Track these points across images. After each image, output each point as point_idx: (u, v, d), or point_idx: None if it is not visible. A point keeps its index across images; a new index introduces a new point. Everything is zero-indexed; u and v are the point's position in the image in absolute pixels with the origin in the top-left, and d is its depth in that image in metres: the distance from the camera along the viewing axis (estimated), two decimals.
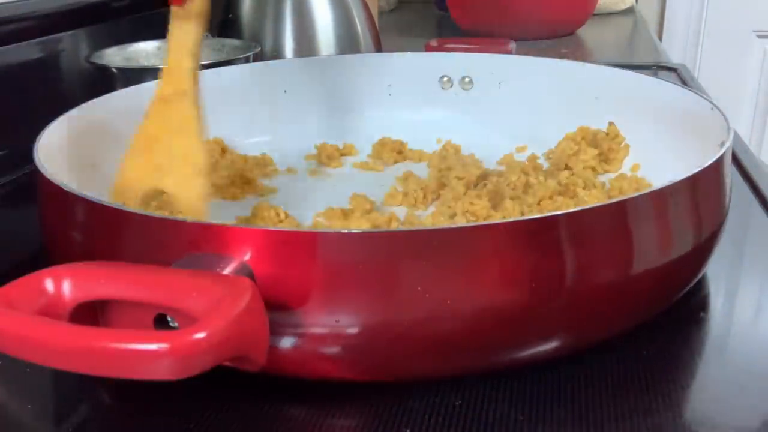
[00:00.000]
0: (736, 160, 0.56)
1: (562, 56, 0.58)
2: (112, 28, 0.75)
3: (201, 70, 0.58)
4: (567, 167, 0.52)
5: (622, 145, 0.52)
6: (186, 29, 0.41)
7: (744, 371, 0.33)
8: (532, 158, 0.54)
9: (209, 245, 0.29)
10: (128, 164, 0.40)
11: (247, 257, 0.28)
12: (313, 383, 0.32)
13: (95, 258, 0.29)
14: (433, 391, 0.32)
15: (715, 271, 0.41)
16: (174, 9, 0.41)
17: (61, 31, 0.67)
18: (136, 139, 0.40)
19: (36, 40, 0.63)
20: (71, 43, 0.68)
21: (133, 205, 0.39)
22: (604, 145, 0.52)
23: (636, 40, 1.26)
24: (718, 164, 0.36)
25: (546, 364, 0.33)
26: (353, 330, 0.29)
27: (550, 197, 0.45)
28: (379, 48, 0.86)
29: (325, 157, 0.57)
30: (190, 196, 0.38)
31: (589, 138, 0.54)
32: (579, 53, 1.09)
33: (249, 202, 0.46)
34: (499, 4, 1.12)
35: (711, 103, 0.45)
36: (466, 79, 0.61)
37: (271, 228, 0.33)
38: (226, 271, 0.28)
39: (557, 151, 0.54)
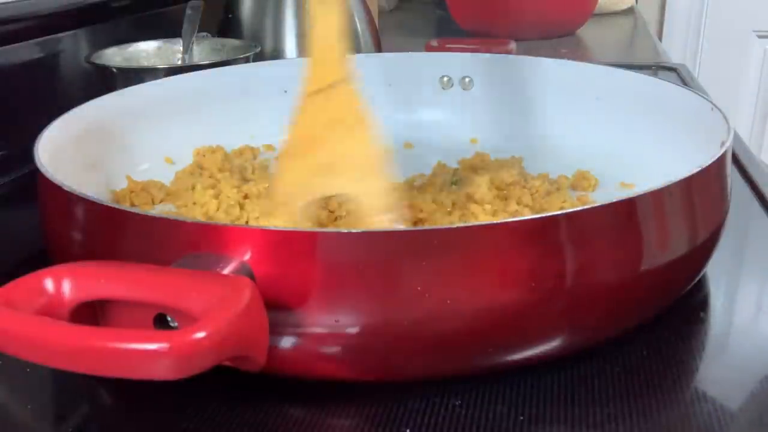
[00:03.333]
0: (736, 160, 0.56)
1: (562, 56, 0.58)
2: (112, 28, 0.75)
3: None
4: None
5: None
6: (328, 10, 0.37)
7: (744, 371, 0.33)
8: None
9: (209, 245, 0.29)
10: (285, 170, 0.36)
11: (246, 257, 0.28)
12: (313, 383, 0.32)
13: (95, 258, 0.29)
14: (433, 391, 0.32)
15: (715, 271, 0.41)
16: None
17: (61, 31, 0.67)
18: (290, 142, 0.36)
19: (36, 40, 0.63)
20: (71, 43, 0.68)
21: (294, 215, 0.35)
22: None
23: (636, 40, 1.26)
24: (718, 164, 0.36)
25: (546, 364, 0.33)
26: (353, 330, 0.29)
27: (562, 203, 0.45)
28: (379, 48, 0.86)
29: None
30: (370, 192, 0.35)
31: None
32: (579, 53, 1.09)
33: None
34: (499, 4, 1.12)
35: (711, 103, 0.45)
36: (466, 79, 0.61)
37: (271, 228, 0.33)
38: (226, 271, 0.28)
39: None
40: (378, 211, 0.35)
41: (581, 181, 0.50)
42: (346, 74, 0.37)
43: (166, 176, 0.51)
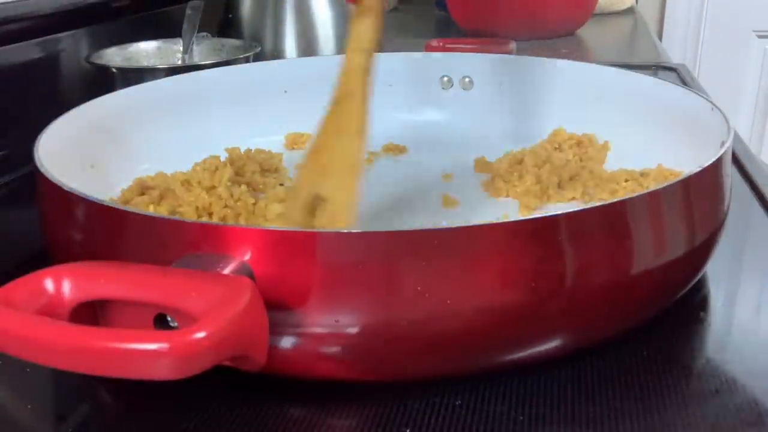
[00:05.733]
0: (736, 160, 0.56)
1: (562, 56, 0.58)
2: (112, 28, 0.75)
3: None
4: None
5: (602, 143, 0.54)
6: (363, 26, 0.41)
7: (744, 371, 0.33)
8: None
9: (209, 245, 0.29)
10: (300, 170, 0.40)
11: (246, 257, 0.28)
12: (313, 383, 0.32)
13: (95, 258, 0.29)
14: (433, 391, 0.32)
15: (715, 271, 0.41)
16: (351, 6, 0.41)
17: (61, 31, 0.67)
18: (310, 143, 0.40)
19: (36, 40, 0.63)
20: (71, 43, 0.68)
21: (294, 214, 0.38)
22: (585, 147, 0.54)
23: (636, 40, 1.26)
24: (718, 164, 0.36)
25: (546, 363, 0.33)
26: (353, 330, 0.29)
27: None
28: (379, 48, 0.86)
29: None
30: (341, 197, 0.38)
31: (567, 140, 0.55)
32: (579, 53, 1.09)
33: None
34: (499, 4, 1.12)
35: (711, 103, 0.45)
36: (466, 79, 0.61)
37: (271, 228, 0.33)
38: (226, 271, 0.28)
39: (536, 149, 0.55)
40: (338, 213, 0.37)
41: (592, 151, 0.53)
42: (357, 86, 0.40)
43: None
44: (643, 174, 0.47)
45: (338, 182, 0.38)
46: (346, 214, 0.37)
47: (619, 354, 0.34)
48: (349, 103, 0.40)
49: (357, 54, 0.40)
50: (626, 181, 0.47)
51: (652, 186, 0.34)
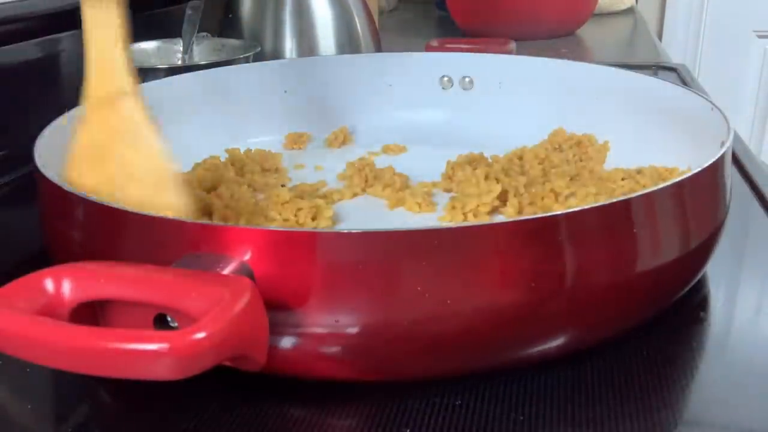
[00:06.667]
0: (736, 160, 0.56)
1: (562, 56, 0.58)
2: None
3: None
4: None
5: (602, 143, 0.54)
6: (105, 11, 0.35)
7: (744, 371, 0.33)
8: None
9: (209, 245, 0.29)
10: (80, 176, 0.35)
11: (246, 257, 0.28)
12: (313, 383, 0.32)
13: (95, 258, 0.29)
14: (433, 391, 0.32)
15: (715, 271, 0.41)
16: None
17: (61, 31, 0.67)
18: (79, 145, 0.35)
19: (36, 40, 0.63)
20: (71, 43, 0.68)
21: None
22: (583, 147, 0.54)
23: (636, 40, 1.26)
24: (718, 164, 0.36)
25: (546, 364, 0.33)
26: (353, 330, 0.29)
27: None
28: (379, 48, 0.86)
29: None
30: (164, 208, 0.34)
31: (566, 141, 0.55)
32: (579, 53, 1.09)
33: None
34: (499, 4, 1.12)
35: (711, 103, 0.45)
36: (466, 79, 0.61)
37: (271, 228, 0.33)
38: (226, 271, 0.28)
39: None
40: None
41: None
42: (129, 85, 0.35)
43: None
44: (640, 172, 0.47)
45: (150, 195, 0.33)
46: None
47: (619, 354, 0.34)
48: (123, 106, 0.35)
49: (111, 45, 0.36)
50: (623, 179, 0.47)
51: (651, 185, 0.34)
